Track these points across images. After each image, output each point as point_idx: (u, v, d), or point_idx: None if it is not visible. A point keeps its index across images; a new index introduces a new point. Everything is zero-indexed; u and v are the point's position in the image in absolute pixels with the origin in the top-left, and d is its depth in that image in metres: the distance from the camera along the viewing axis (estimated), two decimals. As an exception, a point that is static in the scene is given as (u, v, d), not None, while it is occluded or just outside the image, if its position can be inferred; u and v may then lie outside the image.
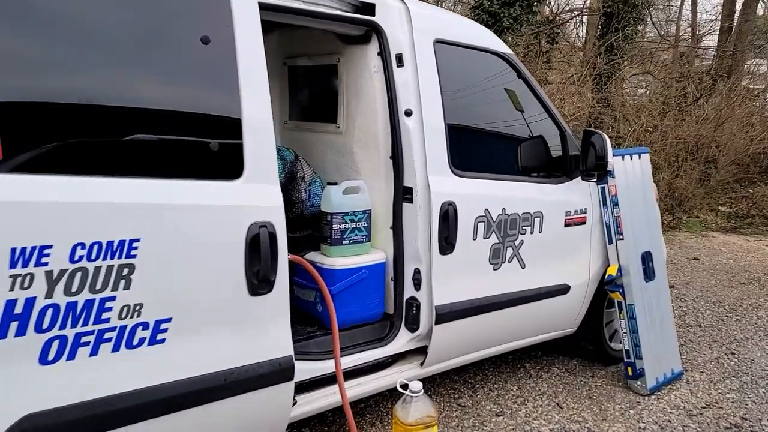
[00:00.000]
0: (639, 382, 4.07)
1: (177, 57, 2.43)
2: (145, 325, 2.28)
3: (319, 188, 3.54)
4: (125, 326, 2.23)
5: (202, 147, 2.44)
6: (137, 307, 2.25)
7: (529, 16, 9.59)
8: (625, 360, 4.11)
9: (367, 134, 3.43)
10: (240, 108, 2.50)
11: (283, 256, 2.61)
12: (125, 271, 2.20)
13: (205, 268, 2.40)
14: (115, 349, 2.22)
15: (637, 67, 11.43)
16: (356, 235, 3.34)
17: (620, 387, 4.15)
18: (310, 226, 3.50)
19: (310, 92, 3.86)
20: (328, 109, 3.63)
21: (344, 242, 3.31)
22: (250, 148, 2.51)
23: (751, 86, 12.66)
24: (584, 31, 12.88)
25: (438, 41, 3.39)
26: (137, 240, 2.21)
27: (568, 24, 12.79)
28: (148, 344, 2.30)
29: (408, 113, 3.28)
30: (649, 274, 4.16)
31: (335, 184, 3.34)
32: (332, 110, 3.59)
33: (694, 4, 13.92)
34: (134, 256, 2.21)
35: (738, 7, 13.86)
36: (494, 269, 3.61)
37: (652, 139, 9.71)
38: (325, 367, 3.08)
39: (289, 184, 3.46)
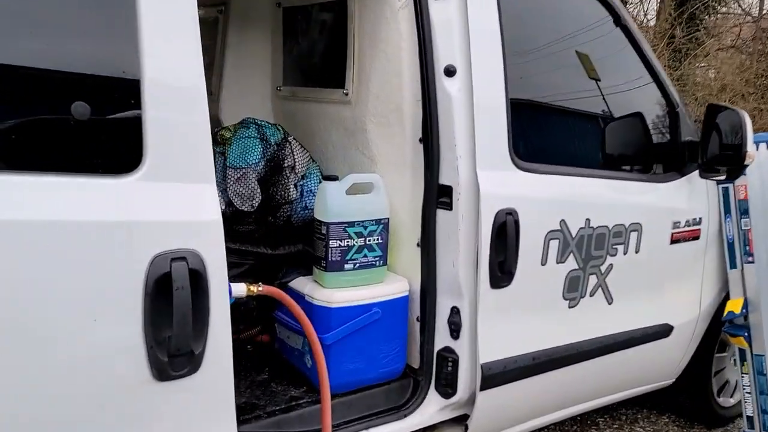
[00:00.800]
0: (765, 463, 2.84)
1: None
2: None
3: (317, 183, 2.40)
4: None
5: (59, 120, 1.31)
6: None
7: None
8: (747, 431, 2.88)
9: (386, 104, 2.26)
10: (139, 58, 1.37)
11: (221, 309, 1.48)
12: None
13: (60, 337, 1.28)
14: None
15: (718, 42, 9.89)
16: (365, 256, 2.19)
17: (735, 465, 2.93)
18: (301, 239, 2.36)
19: (312, 45, 2.70)
20: (333, 69, 2.47)
21: (347, 266, 2.17)
22: (155, 124, 1.38)
23: None
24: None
25: (499, -38, 2.18)
26: None
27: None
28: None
29: (449, 71, 2.11)
30: (786, 312, 2.89)
31: (336, 178, 2.18)
32: (339, 70, 2.43)
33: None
34: None
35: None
36: (570, 306, 2.43)
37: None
38: (312, 456, 1.98)
39: (272, 176, 2.32)
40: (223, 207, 2.24)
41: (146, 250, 1.37)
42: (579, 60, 2.64)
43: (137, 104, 1.36)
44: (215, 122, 2.73)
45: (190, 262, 1.40)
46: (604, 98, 2.71)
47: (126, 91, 1.37)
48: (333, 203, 2.14)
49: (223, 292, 1.49)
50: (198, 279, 1.43)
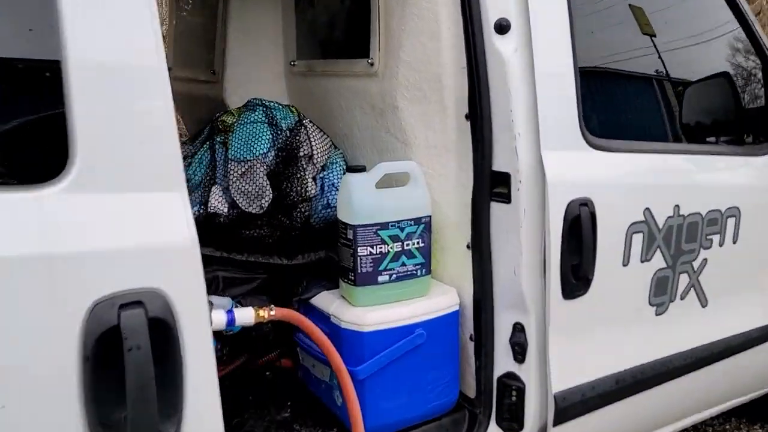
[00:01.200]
0: None
1: None
2: None
3: (340, 175, 1.91)
4: None
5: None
6: None
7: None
8: None
9: (421, 74, 1.77)
10: (61, 31, 0.88)
11: (202, 371, 1.01)
12: None
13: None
14: None
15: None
16: (404, 264, 1.71)
17: None
18: (323, 245, 1.89)
19: (329, 8, 2.20)
20: (355, 35, 1.97)
21: (381, 279, 1.69)
22: (87, 112, 0.91)
23: None
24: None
25: None
26: None
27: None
28: None
29: (502, 27, 1.60)
30: None
31: (363, 169, 1.69)
32: (362, 35, 1.93)
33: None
34: None
35: None
36: (657, 314, 1.93)
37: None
38: None
39: (284, 168, 1.85)
40: (226, 209, 1.78)
41: (80, 294, 0.91)
42: (652, 9, 2.10)
43: (57, 85, 0.89)
44: (221, 106, 2.27)
45: (149, 307, 0.93)
46: (682, 55, 2.17)
47: (41, 69, 0.91)
48: (360, 200, 1.65)
49: (204, 345, 1.02)
50: (164, 331, 0.96)
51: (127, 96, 0.94)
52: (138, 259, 0.94)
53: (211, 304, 1.49)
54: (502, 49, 1.60)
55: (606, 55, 1.97)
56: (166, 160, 0.97)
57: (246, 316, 1.53)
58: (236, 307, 1.70)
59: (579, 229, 1.66)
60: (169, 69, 2.70)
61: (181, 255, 0.97)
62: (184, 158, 1.93)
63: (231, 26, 2.27)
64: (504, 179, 1.65)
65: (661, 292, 1.91)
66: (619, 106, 1.99)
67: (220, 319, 1.50)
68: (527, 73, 1.60)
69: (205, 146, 1.89)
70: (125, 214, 0.93)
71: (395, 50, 1.82)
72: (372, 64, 1.89)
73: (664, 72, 2.15)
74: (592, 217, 1.68)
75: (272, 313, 1.56)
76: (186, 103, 2.71)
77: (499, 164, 1.66)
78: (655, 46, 2.12)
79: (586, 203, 1.67)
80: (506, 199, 1.66)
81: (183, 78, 2.63)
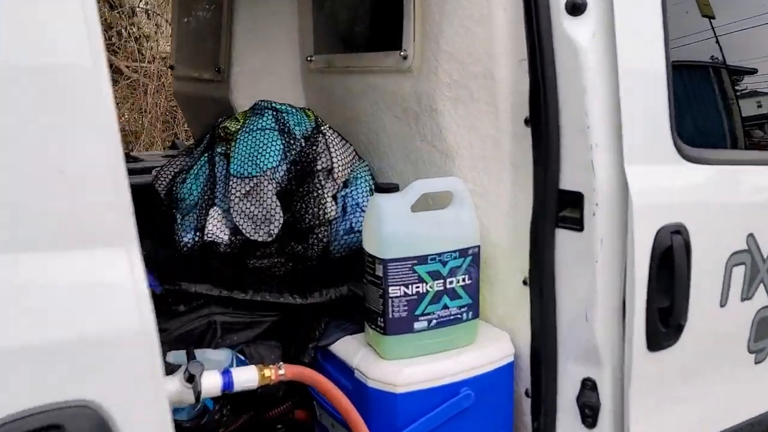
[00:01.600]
0: None
1: None
2: None
3: (366, 193, 1.55)
4: None
5: None
6: None
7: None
8: None
9: (467, 67, 1.41)
10: None
11: None
12: None
13: None
14: None
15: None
16: (446, 307, 1.35)
17: None
18: (345, 278, 1.53)
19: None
20: (385, 23, 1.61)
21: (417, 325, 1.33)
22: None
23: None
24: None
25: None
26: None
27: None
28: None
29: (576, 7, 1.24)
30: None
31: (395, 188, 1.33)
32: (394, 23, 1.57)
33: None
34: None
35: None
36: (756, 362, 1.57)
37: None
38: None
39: (298, 186, 1.49)
40: (226, 237, 1.43)
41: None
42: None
43: None
44: (227, 109, 1.93)
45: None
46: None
47: None
48: (392, 229, 1.29)
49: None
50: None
51: (43, 108, 0.59)
52: (56, 356, 0.58)
53: (201, 365, 1.15)
54: (575, 35, 1.23)
55: (692, 43, 1.59)
56: (103, 199, 0.62)
57: (248, 378, 1.20)
58: (236, 360, 1.36)
59: (670, 262, 1.29)
60: (172, 67, 2.35)
61: (128, 346, 0.62)
62: (179, 173, 1.58)
63: (238, 14, 1.92)
64: (575, 200, 1.29)
65: (763, 336, 1.54)
66: (710, 105, 1.61)
67: (214, 383, 1.17)
68: (607, 66, 1.24)
69: (203, 158, 1.54)
70: (35, 286, 0.58)
71: (434, 39, 1.46)
72: (405, 58, 1.53)
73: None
74: (687, 246, 1.31)
75: (281, 372, 1.23)
76: (192, 106, 2.39)
77: (568, 181, 1.29)
78: (712, 28, 1.74)
79: (678, 230, 1.30)
80: (577, 225, 1.29)
81: (187, 77, 2.30)
